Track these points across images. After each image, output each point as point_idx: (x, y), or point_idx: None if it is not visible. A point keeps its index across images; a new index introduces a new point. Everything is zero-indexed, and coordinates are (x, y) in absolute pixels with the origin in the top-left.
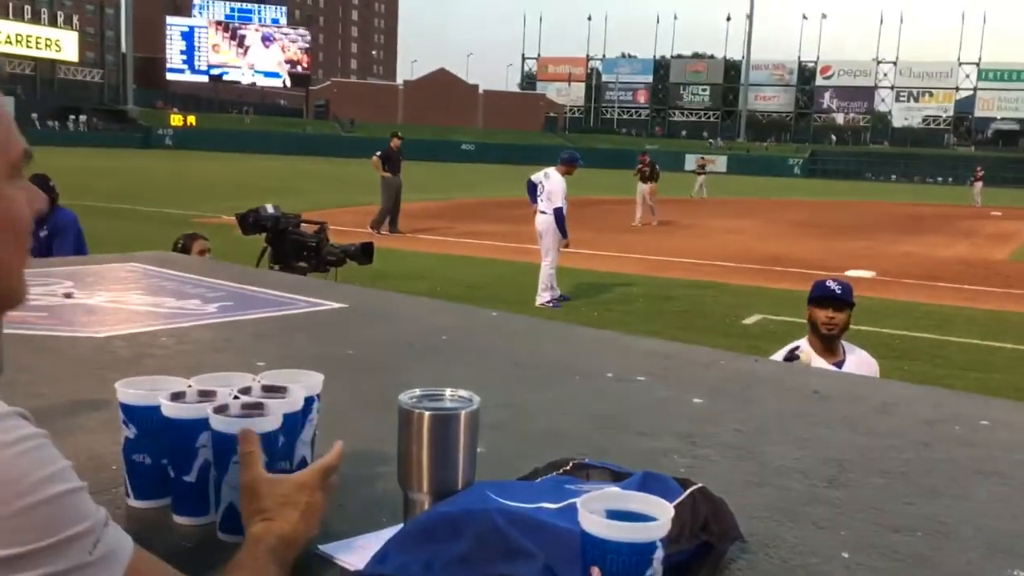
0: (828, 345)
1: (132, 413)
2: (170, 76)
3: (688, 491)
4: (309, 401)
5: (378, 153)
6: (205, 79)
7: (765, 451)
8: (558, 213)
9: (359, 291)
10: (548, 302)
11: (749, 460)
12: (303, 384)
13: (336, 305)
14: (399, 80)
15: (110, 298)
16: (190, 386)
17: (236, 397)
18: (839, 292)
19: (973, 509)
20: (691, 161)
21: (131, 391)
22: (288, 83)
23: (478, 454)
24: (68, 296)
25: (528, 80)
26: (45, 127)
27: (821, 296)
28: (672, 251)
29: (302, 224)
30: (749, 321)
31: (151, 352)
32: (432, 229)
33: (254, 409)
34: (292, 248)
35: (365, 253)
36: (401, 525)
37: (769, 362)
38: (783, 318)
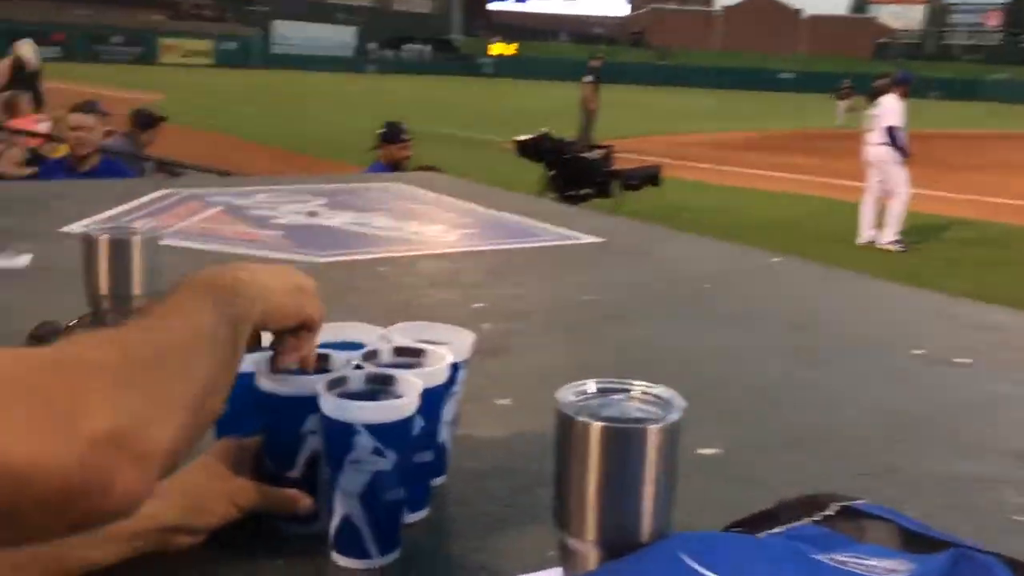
0: None
1: None
2: (491, 6)
3: None
4: (453, 369)
5: (589, 77)
6: (525, 7)
7: None
8: (892, 131)
9: (621, 224)
10: (896, 242)
11: None
12: (447, 345)
13: (591, 239)
14: (718, 5)
15: (353, 219)
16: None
17: (358, 366)
18: None
19: None
20: None
21: None
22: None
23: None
24: (312, 215)
25: (858, 3)
26: (381, 55)
27: None
28: (1020, 192)
29: (585, 149)
30: None
31: (359, 284)
32: (740, 161)
33: (382, 384)
34: (578, 172)
35: (655, 177)
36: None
37: None
38: None
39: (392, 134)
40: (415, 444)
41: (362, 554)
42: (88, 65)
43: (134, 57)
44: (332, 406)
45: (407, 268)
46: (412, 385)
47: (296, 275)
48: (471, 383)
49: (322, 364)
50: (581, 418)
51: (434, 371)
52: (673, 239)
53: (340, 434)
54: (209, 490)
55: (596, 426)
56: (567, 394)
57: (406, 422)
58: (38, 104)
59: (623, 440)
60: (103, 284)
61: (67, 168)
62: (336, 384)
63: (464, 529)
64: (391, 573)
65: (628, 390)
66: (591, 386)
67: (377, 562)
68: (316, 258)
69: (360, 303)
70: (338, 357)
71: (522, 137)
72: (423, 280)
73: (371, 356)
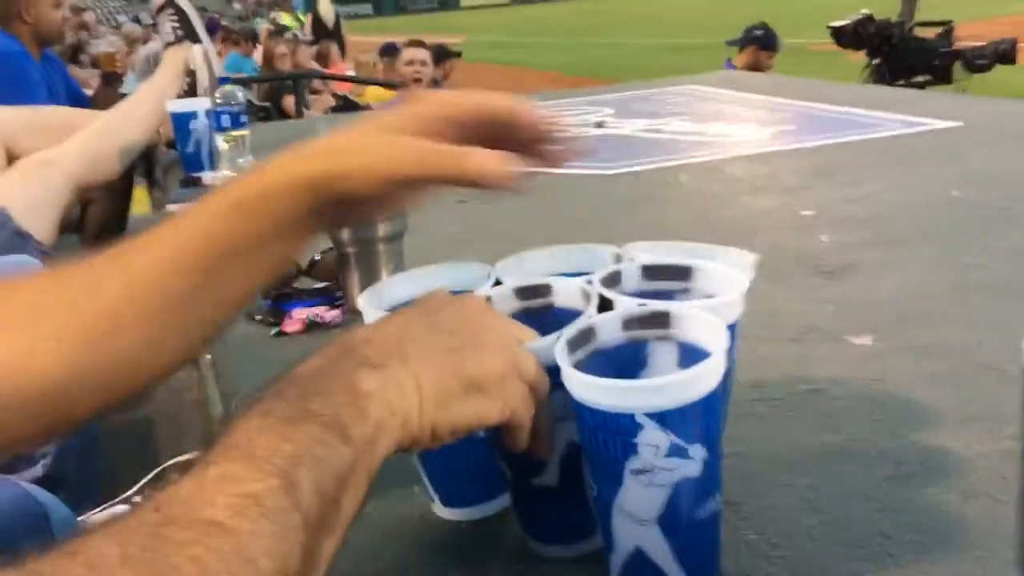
0: None
1: None
2: None
3: None
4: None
5: None
6: None
7: None
8: None
9: (979, 103)
10: None
11: None
12: (722, 269)
13: (945, 124)
14: None
15: (646, 126)
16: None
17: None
18: None
19: None
20: None
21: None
22: None
23: None
24: (599, 125)
25: None
26: None
27: None
28: None
29: (915, 29)
30: None
31: (653, 195)
32: None
33: (654, 328)
34: (909, 56)
35: (1008, 53)
36: None
37: None
38: None
39: (764, 39)
40: (713, 419)
41: None
42: (396, 18)
43: (438, 4)
44: (585, 387)
45: (711, 174)
46: (711, 327)
47: (485, 357)
48: (807, 313)
49: (543, 298)
50: None
51: (726, 300)
52: None
53: (609, 432)
54: None
55: None
56: None
57: (714, 395)
58: (342, 54)
59: None
60: None
61: None
62: (580, 341)
63: (796, 549)
64: None
65: None
66: None
67: None
68: (604, 170)
69: (653, 218)
70: (565, 287)
71: (838, 23)
72: (732, 186)
73: (613, 281)
